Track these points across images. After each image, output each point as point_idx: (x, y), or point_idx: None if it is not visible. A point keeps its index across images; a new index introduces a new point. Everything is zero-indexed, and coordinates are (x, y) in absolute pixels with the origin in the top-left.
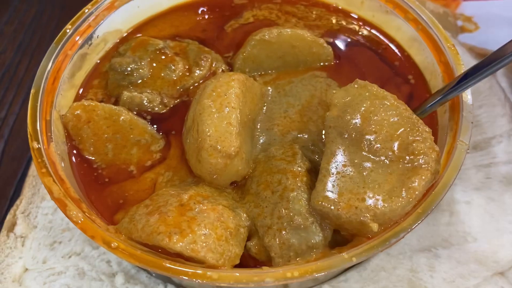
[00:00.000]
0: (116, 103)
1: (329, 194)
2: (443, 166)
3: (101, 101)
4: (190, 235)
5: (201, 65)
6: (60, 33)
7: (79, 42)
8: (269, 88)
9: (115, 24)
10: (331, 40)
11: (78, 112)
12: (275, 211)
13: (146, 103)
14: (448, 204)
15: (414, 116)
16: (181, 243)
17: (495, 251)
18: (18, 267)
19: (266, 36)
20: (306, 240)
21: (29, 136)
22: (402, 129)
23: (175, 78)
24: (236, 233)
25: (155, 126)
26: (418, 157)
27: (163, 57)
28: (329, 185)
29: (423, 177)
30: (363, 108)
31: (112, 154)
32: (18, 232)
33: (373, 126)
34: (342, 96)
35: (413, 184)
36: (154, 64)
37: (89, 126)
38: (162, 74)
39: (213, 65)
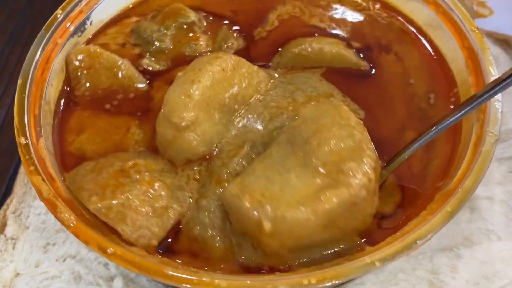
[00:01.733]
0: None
1: (241, 187)
2: (470, 160)
3: (123, 44)
4: (108, 200)
5: (223, 49)
6: (49, 19)
7: (71, 29)
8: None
9: (110, 9)
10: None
11: (81, 56)
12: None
13: None
14: (468, 201)
15: (367, 145)
16: (95, 205)
17: None
18: (9, 271)
19: (307, 50)
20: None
21: (15, 130)
22: (346, 152)
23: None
24: (161, 214)
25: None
26: (345, 176)
27: (191, 34)
28: (246, 180)
29: (339, 195)
30: (320, 122)
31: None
32: (9, 233)
33: (319, 140)
34: (311, 112)
35: (324, 197)
36: (178, 38)
37: (89, 73)
38: (183, 51)
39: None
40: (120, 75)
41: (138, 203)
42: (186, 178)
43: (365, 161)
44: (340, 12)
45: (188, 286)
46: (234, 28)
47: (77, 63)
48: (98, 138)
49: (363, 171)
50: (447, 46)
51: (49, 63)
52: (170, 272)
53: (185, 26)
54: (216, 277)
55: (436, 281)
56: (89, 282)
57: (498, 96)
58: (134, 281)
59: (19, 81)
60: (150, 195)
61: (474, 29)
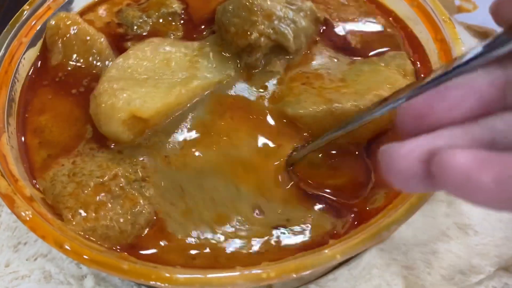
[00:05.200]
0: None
1: None
2: None
3: (108, 22)
4: (92, 222)
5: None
6: (15, 15)
7: (37, 27)
8: None
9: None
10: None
11: (59, 23)
12: None
13: None
14: (446, 194)
15: None
16: (79, 227)
17: (498, 244)
18: None
19: None
20: None
21: None
22: None
23: None
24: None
25: None
26: None
27: (173, 23)
28: None
29: None
30: None
31: None
32: None
33: None
34: None
35: None
36: (158, 27)
37: (62, 42)
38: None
39: None
40: (92, 50)
41: (122, 222)
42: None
43: None
44: None
45: (146, 281)
46: None
47: (54, 29)
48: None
49: None
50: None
51: (14, 62)
52: (126, 267)
53: (167, 17)
54: (174, 271)
55: (411, 277)
56: (59, 282)
57: None
58: (106, 279)
59: None
60: (133, 213)
61: (446, 19)
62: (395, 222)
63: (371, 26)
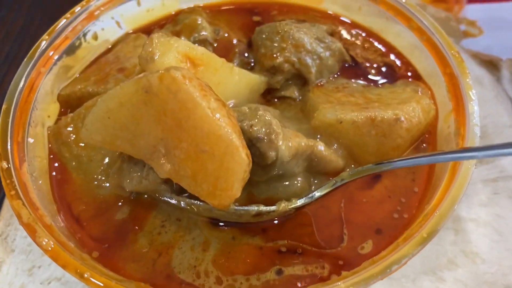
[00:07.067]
0: None
1: None
2: (448, 181)
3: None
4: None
5: None
6: (33, 48)
7: (54, 57)
8: None
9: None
10: None
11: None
12: None
13: None
14: (453, 222)
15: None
16: None
17: (505, 273)
18: None
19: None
20: None
21: None
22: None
23: None
24: None
25: None
26: None
27: None
28: None
29: None
30: None
31: None
32: None
33: None
34: None
35: None
36: None
37: None
38: None
39: None
40: None
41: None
42: None
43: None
44: None
45: None
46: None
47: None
48: None
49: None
50: (429, 72)
51: (33, 91)
52: None
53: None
54: None
55: None
56: None
57: (476, 120)
58: None
59: (4, 106)
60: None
61: (454, 53)
62: (405, 256)
63: (386, 66)
